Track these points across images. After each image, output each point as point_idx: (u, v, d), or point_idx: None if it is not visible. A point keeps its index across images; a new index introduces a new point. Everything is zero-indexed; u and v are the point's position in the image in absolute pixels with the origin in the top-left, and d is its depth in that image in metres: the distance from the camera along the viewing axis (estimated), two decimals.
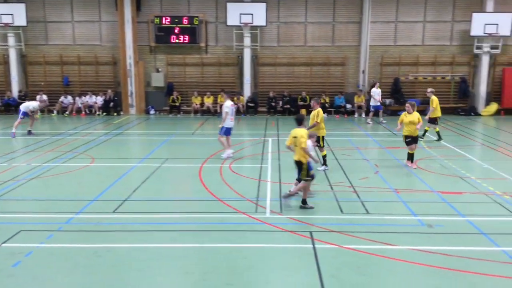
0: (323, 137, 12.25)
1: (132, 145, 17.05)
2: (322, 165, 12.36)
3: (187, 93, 24.18)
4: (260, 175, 11.81)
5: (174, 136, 17.70)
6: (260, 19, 22.58)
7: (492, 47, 22.86)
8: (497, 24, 22.13)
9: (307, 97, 23.24)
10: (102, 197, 9.90)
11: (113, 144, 16.24)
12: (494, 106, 23.28)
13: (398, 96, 23.40)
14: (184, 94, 24.19)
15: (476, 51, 23.00)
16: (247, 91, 23.64)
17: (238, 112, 23.01)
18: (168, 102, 23.98)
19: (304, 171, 9.30)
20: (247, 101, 23.34)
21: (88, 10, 23.86)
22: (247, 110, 23.38)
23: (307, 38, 23.62)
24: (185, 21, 23.18)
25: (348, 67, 23.82)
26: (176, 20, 23.22)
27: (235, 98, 23.18)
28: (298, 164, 9.43)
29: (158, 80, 24.02)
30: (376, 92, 20.63)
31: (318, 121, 12.09)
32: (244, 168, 12.75)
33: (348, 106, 23.32)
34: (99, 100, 23.74)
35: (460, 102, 23.57)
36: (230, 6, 22.66)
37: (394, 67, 23.64)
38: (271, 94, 23.27)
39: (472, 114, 23.33)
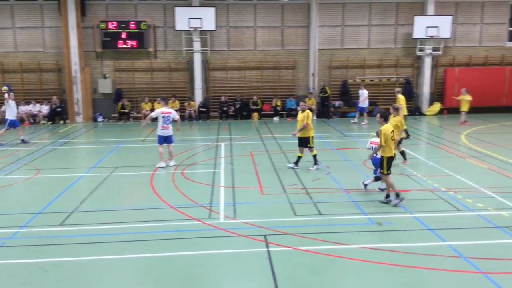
0: (312, 137, 12.72)
1: (80, 154, 16.50)
2: (314, 164, 12.78)
3: (137, 99, 23.72)
4: (213, 180, 11.73)
5: (124, 143, 17.30)
6: (209, 23, 22.51)
7: (434, 49, 23.86)
8: (437, 27, 23.13)
9: (259, 101, 23.37)
10: (48, 210, 9.50)
11: (60, 153, 15.66)
12: (437, 106, 24.27)
13: (347, 98, 23.97)
14: (133, 100, 23.71)
15: (419, 53, 23.92)
16: (198, 96, 23.49)
17: (190, 117, 22.88)
18: (117, 109, 23.42)
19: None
20: (199, 106, 23.18)
21: (30, 16, 22.96)
22: (199, 115, 23.21)
23: (257, 42, 23.77)
24: (132, 26, 22.75)
25: (298, 70, 24.15)
26: (123, 25, 22.74)
27: (186, 104, 23.00)
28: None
29: (105, 87, 23.42)
30: (361, 93, 21.62)
31: (309, 122, 12.60)
32: (197, 174, 12.62)
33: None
34: (44, 108, 22.86)
35: (408, 103, 24.32)
36: (178, 10, 22.45)
37: (342, 69, 24.19)
38: (223, 99, 23.23)
39: (417, 114, 24.24)
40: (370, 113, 23.70)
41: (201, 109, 23.15)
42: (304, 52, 23.95)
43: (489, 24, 24.32)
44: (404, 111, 16.70)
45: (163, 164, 13.02)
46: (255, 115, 23.26)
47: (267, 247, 7.51)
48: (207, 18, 22.44)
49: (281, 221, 8.70)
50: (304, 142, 12.70)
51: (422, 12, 23.66)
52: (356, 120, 21.85)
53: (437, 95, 24.54)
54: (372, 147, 10.43)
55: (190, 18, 22.36)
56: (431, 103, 24.46)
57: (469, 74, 23.76)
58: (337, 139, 17.59)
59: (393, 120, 12.46)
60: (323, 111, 23.62)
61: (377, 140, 10.12)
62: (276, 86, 24.06)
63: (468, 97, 20.30)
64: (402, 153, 13.22)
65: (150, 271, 6.77)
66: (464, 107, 20.35)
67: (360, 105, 21.72)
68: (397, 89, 18.19)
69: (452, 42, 24.25)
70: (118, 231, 8.27)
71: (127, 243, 7.76)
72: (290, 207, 9.54)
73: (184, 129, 20.95)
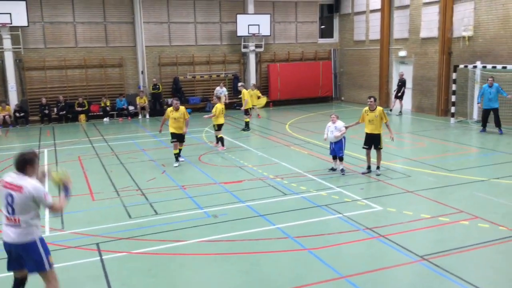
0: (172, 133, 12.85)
1: None
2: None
3: None
4: None
5: None
6: (20, 18, 20.26)
7: (257, 46, 25.28)
8: (258, 25, 24.54)
9: (85, 102, 21.96)
10: None
11: None
12: (263, 99, 25.75)
13: (179, 95, 23.96)
14: None
15: (243, 50, 25.10)
16: (13, 99, 21.05)
17: (5, 123, 20.41)
18: None
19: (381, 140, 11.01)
20: (15, 110, 20.78)
21: None
22: (16, 121, 20.83)
23: (78, 39, 22.23)
24: None
25: (126, 68, 23.32)
26: None
27: (0, 108, 20.46)
28: (377, 137, 10.93)
29: None
30: (219, 91, 22.04)
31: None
32: None
33: (131, 108, 22.89)
34: None
35: (235, 98, 25.35)
36: None
37: (172, 67, 24.10)
38: (43, 101, 21.21)
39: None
40: (203, 109, 24.16)
41: (17, 113, 20.80)
42: (131, 49, 23.23)
43: (302, 23, 26.70)
44: (249, 104, 18.28)
45: None
46: (82, 117, 21.81)
47: (100, 255, 7.11)
48: (17, 12, 20.16)
49: (114, 227, 8.32)
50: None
51: (244, 11, 24.85)
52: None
53: (263, 89, 26.06)
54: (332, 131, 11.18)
55: None
56: (258, 97, 25.86)
57: (288, 69, 25.80)
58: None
59: (215, 107, 14.47)
60: (156, 109, 23.28)
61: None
62: (103, 85, 22.87)
63: (257, 92, 21.62)
64: (221, 139, 14.59)
65: None
66: (255, 102, 21.42)
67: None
68: (240, 84, 19.39)
69: (272, 39, 26.00)
70: None
71: None
72: (125, 211, 9.19)
73: None
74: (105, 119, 21.96)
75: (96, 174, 12.07)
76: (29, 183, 4.89)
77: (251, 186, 10.69)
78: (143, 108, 22.80)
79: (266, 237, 7.62)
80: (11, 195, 4.88)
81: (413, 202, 9.32)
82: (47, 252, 5.05)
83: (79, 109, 21.77)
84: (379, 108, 10.98)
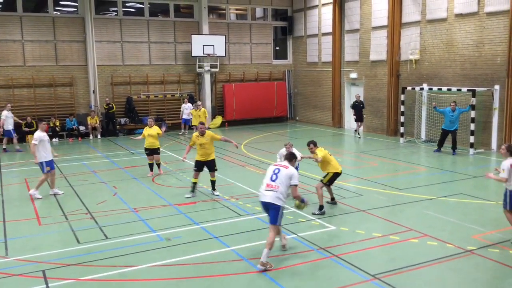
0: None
1: None
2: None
3: None
4: None
5: None
6: None
7: (212, 66, 25.31)
8: (213, 46, 24.64)
9: (33, 122, 21.16)
10: None
11: None
12: (219, 119, 25.81)
13: (132, 115, 23.58)
14: None
15: (198, 70, 25.07)
16: None
17: None
18: None
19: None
20: None
21: None
22: None
23: (26, 57, 21.52)
24: None
25: (77, 87, 22.72)
26: None
27: None
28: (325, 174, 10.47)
29: None
30: (185, 107, 22.41)
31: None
32: None
33: (82, 128, 22.27)
34: None
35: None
36: None
37: (125, 86, 23.71)
38: None
39: None
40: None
41: None
42: (82, 68, 22.69)
43: (257, 44, 27.04)
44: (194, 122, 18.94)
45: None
46: (30, 137, 20.96)
47: (46, 283, 6.78)
48: None
49: (62, 252, 7.97)
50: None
51: (198, 32, 24.90)
52: (182, 131, 22.90)
53: (218, 109, 26.10)
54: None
55: None
56: (213, 116, 25.86)
57: (244, 89, 25.97)
58: (125, 157, 17.15)
59: (152, 129, 13.98)
60: (108, 129, 22.77)
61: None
62: (53, 105, 22.16)
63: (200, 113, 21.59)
64: (158, 165, 14.09)
65: None
66: (195, 122, 21.06)
67: (185, 117, 22.54)
68: (198, 102, 19.90)
69: (227, 60, 26.15)
70: None
71: None
72: (73, 235, 8.84)
73: None
74: (54, 140, 21.22)
75: (44, 198, 11.58)
76: (291, 167, 7.51)
77: (205, 207, 10.57)
78: (94, 129, 22.25)
79: (221, 260, 7.51)
80: (279, 169, 7.40)
81: (365, 221, 9.48)
82: (281, 215, 7.35)
83: (27, 129, 20.96)
84: (317, 151, 10.12)
